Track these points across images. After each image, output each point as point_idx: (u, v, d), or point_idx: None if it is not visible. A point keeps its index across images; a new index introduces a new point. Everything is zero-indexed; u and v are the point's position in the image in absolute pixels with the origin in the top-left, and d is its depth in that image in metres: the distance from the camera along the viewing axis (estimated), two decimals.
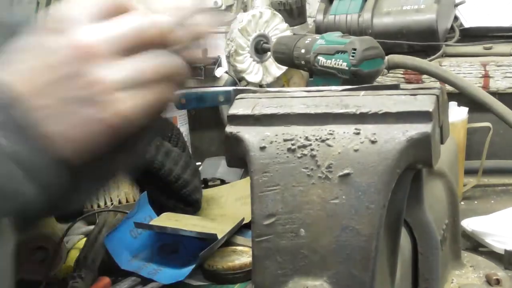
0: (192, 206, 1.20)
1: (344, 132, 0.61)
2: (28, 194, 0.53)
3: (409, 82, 1.48)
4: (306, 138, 0.62)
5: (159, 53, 0.59)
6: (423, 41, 1.51)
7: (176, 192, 1.16)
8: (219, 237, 1.02)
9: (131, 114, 0.57)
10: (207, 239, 1.02)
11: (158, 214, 1.11)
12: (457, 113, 1.25)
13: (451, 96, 0.97)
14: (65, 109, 0.56)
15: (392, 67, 1.19)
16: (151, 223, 1.06)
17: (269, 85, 1.53)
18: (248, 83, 1.52)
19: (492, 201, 1.26)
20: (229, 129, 0.65)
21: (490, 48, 1.49)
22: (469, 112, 1.27)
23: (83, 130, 0.56)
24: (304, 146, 0.61)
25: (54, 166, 0.56)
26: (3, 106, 0.54)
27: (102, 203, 1.18)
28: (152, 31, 0.59)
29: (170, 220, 1.08)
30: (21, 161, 0.53)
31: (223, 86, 1.51)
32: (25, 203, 0.53)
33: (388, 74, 1.37)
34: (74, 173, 0.58)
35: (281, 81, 1.60)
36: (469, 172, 1.29)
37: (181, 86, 0.61)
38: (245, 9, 1.64)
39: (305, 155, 0.61)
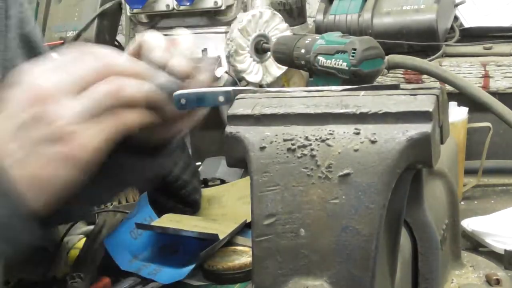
0: (191, 206, 1.20)
1: (344, 132, 0.61)
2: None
3: (409, 82, 1.48)
4: (306, 138, 0.62)
5: (116, 79, 0.61)
6: (423, 41, 1.51)
7: (175, 192, 1.16)
8: (221, 237, 1.02)
9: (94, 143, 0.59)
10: (207, 239, 1.02)
11: (158, 214, 1.11)
12: (457, 113, 1.25)
13: (451, 96, 0.96)
14: (30, 151, 0.58)
15: (392, 67, 1.19)
16: (152, 224, 1.06)
17: (269, 85, 1.53)
18: (248, 83, 1.52)
19: (492, 201, 1.26)
20: (229, 129, 0.65)
21: (490, 48, 1.49)
22: (469, 112, 1.27)
23: (51, 169, 0.58)
24: (304, 146, 0.61)
25: (25, 224, 0.57)
26: None
27: None
28: (108, 70, 0.62)
29: (171, 221, 1.08)
30: None
31: (223, 86, 1.51)
32: None
33: (388, 74, 1.37)
34: (49, 216, 0.60)
35: (281, 81, 1.60)
36: (469, 172, 1.29)
37: (153, 107, 0.64)
38: (245, 9, 1.64)
39: (305, 155, 0.61)
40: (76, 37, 1.85)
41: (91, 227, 1.09)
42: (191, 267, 0.97)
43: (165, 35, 0.78)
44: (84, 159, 0.59)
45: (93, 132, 0.59)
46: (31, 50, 0.88)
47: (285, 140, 0.62)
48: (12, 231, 0.57)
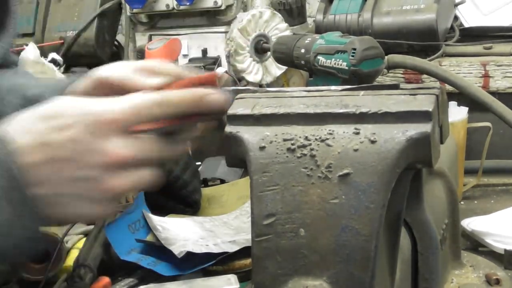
0: (191, 207, 1.21)
1: (343, 132, 0.61)
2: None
3: (409, 82, 1.48)
4: (306, 138, 0.62)
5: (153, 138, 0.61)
6: (423, 41, 1.51)
7: (175, 192, 1.17)
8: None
9: (120, 193, 0.58)
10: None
11: (158, 215, 1.11)
12: (457, 113, 1.24)
13: (451, 96, 0.97)
14: (65, 186, 0.57)
15: (392, 67, 1.19)
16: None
17: (269, 85, 1.53)
18: (248, 83, 1.52)
19: (492, 201, 1.26)
20: (229, 129, 0.65)
21: (490, 48, 1.49)
22: (469, 112, 1.27)
23: (72, 208, 0.58)
24: (304, 146, 0.61)
25: (34, 240, 0.57)
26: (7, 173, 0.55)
27: None
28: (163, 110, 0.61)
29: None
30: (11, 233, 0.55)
31: (223, 86, 1.51)
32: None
33: (388, 74, 1.37)
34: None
35: (281, 81, 1.60)
36: (469, 172, 1.29)
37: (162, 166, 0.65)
38: (245, 9, 1.64)
39: (304, 155, 0.61)
40: (76, 37, 1.86)
41: (91, 227, 1.09)
42: (194, 270, 0.98)
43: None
44: (110, 200, 0.59)
45: (127, 181, 0.58)
46: None
47: (284, 140, 0.62)
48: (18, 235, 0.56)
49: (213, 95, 0.64)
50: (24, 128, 0.56)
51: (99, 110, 0.57)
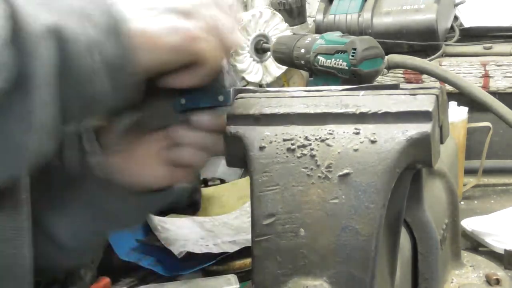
0: (191, 207, 1.21)
1: (343, 132, 0.61)
2: (100, 87, 0.55)
3: (409, 82, 1.48)
4: (306, 138, 0.62)
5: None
6: (423, 41, 1.51)
7: None
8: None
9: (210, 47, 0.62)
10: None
11: (158, 215, 1.11)
12: (457, 113, 1.25)
13: (451, 96, 0.96)
14: (156, 14, 0.60)
15: (392, 67, 1.19)
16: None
17: (269, 85, 1.53)
18: (248, 83, 1.52)
19: (492, 201, 1.26)
20: (229, 129, 0.65)
21: (490, 48, 1.49)
22: (469, 112, 1.27)
23: (165, 33, 0.60)
24: (304, 146, 0.61)
25: (131, 72, 0.58)
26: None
27: None
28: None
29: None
30: (105, 57, 0.55)
31: None
32: (95, 94, 0.55)
33: (388, 74, 1.37)
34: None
35: (281, 81, 1.60)
36: (469, 172, 1.29)
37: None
38: (245, 9, 1.64)
39: (304, 155, 0.61)
40: None
41: None
42: (194, 269, 0.98)
43: None
44: (191, 45, 0.61)
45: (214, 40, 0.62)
46: None
47: (284, 140, 0.62)
48: (119, 74, 0.56)
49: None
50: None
51: None
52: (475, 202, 1.26)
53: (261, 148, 0.63)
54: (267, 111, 0.65)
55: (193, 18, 0.61)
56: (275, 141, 0.63)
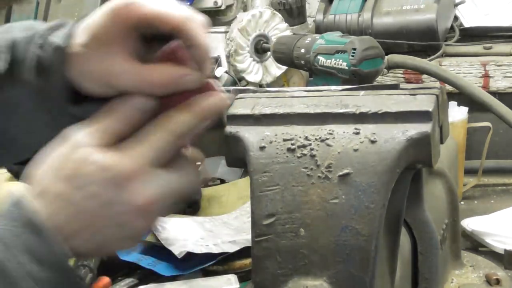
0: (191, 207, 1.21)
1: (343, 132, 0.61)
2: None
3: (409, 82, 1.48)
4: (306, 138, 0.62)
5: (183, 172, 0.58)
6: (423, 41, 1.51)
7: None
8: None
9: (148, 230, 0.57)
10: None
11: None
12: (457, 113, 1.24)
13: (451, 96, 0.97)
14: (96, 229, 0.56)
15: (392, 66, 1.19)
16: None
17: (269, 85, 1.53)
18: (248, 83, 1.52)
19: (492, 201, 1.26)
20: (229, 129, 0.65)
21: (490, 48, 1.49)
22: (469, 112, 1.27)
23: (105, 246, 0.57)
24: (304, 146, 0.61)
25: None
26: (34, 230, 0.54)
27: None
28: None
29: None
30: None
31: (223, 86, 1.51)
32: None
33: (388, 74, 1.37)
34: None
35: (281, 81, 1.60)
36: (469, 172, 1.29)
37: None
38: (245, 9, 1.64)
39: (304, 155, 0.61)
40: None
41: None
42: (194, 270, 0.98)
43: None
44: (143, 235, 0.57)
45: (154, 222, 0.56)
46: None
47: (285, 140, 0.62)
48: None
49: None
50: (44, 190, 0.55)
51: (115, 163, 0.54)
52: (475, 202, 1.26)
53: (261, 148, 0.63)
54: (267, 111, 0.65)
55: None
56: (275, 141, 0.63)
